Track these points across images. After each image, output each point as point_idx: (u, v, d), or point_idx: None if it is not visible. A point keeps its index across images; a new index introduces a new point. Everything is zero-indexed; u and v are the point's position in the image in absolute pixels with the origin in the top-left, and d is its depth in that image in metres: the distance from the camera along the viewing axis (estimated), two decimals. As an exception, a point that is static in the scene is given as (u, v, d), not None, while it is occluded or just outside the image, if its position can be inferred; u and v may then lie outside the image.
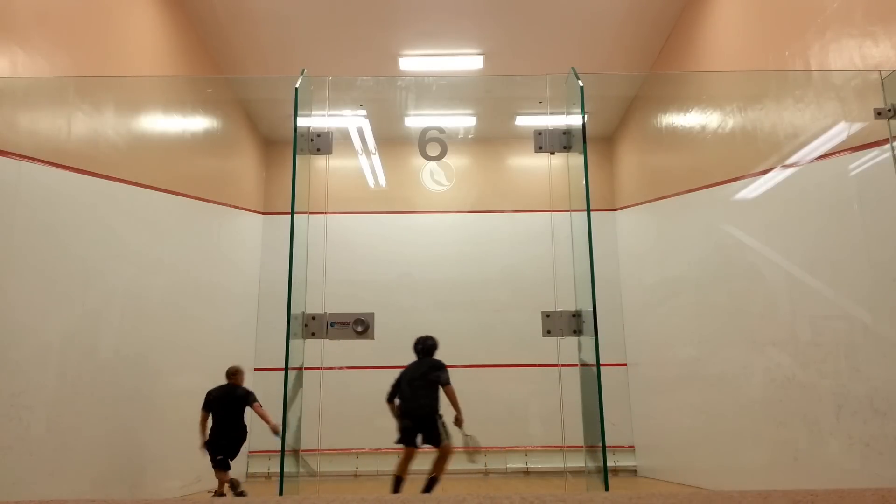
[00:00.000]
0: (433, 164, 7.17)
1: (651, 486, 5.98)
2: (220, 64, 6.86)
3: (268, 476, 6.87)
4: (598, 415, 2.53)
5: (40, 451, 4.06)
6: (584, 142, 2.65)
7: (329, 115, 3.04)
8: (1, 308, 3.79)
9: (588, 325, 2.49)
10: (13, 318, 3.88)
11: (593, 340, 2.49)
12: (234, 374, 5.67)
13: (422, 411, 5.23)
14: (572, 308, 2.58)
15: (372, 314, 2.55)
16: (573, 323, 2.53)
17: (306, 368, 2.59)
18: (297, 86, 2.72)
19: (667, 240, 6.69)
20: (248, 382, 7.05)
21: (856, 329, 3.90)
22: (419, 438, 5.16)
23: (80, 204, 4.53)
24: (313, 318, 2.51)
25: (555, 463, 6.90)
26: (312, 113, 2.94)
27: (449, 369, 7.28)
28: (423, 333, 7.32)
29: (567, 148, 2.74)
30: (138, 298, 5.22)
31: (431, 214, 7.80)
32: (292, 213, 2.58)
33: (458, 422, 5.32)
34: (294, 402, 2.60)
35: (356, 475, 6.97)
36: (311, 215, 2.83)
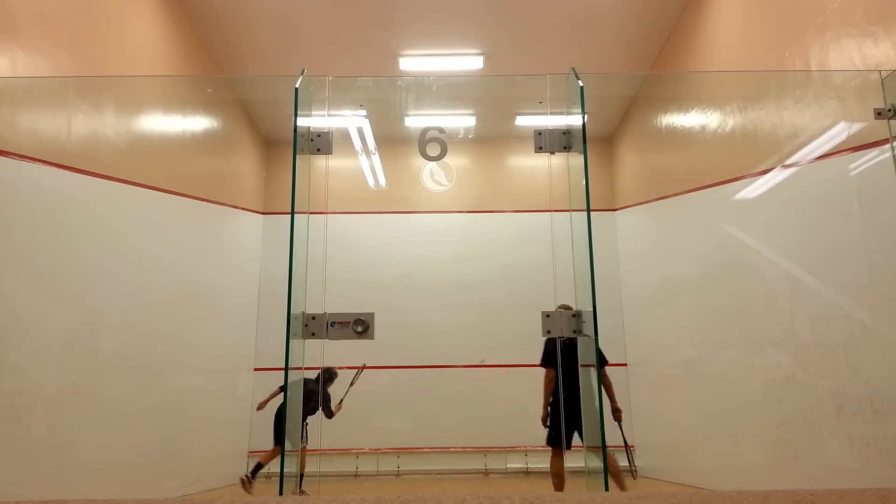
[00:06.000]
0: (433, 164, 7.18)
1: (651, 486, 5.98)
2: (221, 64, 6.86)
3: (268, 476, 6.87)
4: (598, 415, 2.53)
5: (40, 451, 4.06)
6: (585, 142, 2.65)
7: (329, 115, 3.04)
8: (1, 308, 3.79)
9: (588, 325, 2.49)
10: (13, 318, 3.88)
11: (593, 340, 2.49)
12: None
13: None
14: (572, 308, 2.58)
15: (372, 314, 2.55)
16: (573, 323, 2.53)
17: (306, 368, 2.59)
18: (297, 86, 2.72)
19: (667, 240, 6.69)
20: (247, 382, 7.08)
21: (856, 329, 3.90)
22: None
23: (80, 204, 4.52)
24: (313, 318, 2.51)
25: (555, 463, 6.89)
26: (312, 113, 2.93)
27: (449, 369, 7.31)
28: (423, 333, 7.33)
29: (567, 148, 2.74)
30: (138, 298, 5.21)
31: (431, 214, 7.80)
32: (292, 213, 2.58)
33: None
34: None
35: (356, 475, 6.97)
36: (311, 215, 2.83)
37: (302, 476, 5.69)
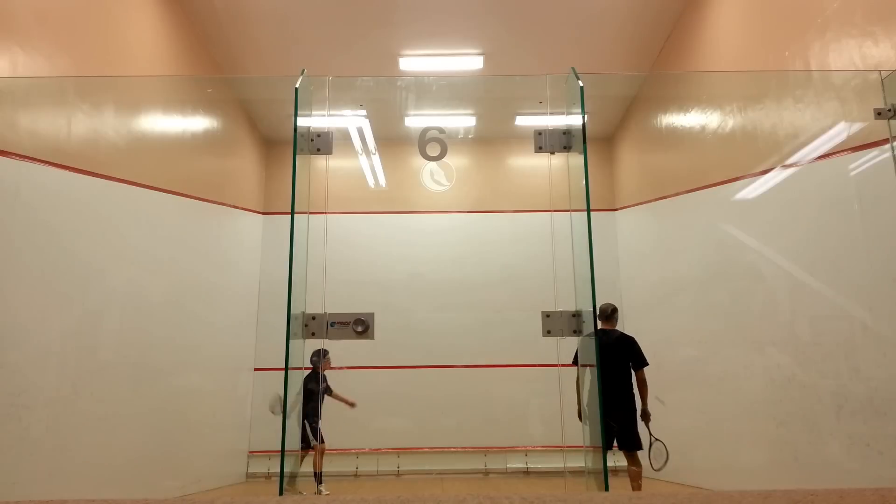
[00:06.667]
0: (433, 164, 7.18)
1: (651, 486, 5.98)
2: (220, 64, 6.86)
3: (268, 476, 6.87)
4: (598, 415, 2.53)
5: (40, 451, 4.06)
6: (584, 142, 2.65)
7: (329, 115, 3.04)
8: (1, 308, 3.79)
9: (588, 325, 2.49)
10: (13, 318, 3.88)
11: (593, 340, 2.49)
12: (614, 312, 4.92)
13: None
14: (572, 308, 2.58)
15: (372, 314, 2.55)
16: (573, 323, 2.53)
17: (306, 368, 2.59)
18: (297, 86, 2.72)
19: (667, 240, 6.69)
20: (247, 382, 7.08)
21: (856, 329, 3.90)
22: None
23: (80, 204, 4.52)
24: (313, 318, 2.51)
25: (555, 463, 6.90)
26: (312, 113, 2.94)
27: (449, 369, 7.31)
28: (423, 333, 7.33)
29: (567, 148, 2.74)
30: (138, 298, 5.22)
31: (431, 214, 7.80)
32: (292, 213, 2.59)
33: None
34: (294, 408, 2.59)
35: (356, 475, 6.98)
36: (311, 215, 2.83)
37: (318, 474, 5.68)
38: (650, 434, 4.80)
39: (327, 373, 5.94)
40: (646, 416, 4.78)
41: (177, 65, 5.87)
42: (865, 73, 3.43)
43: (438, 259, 7.51)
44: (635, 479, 4.77)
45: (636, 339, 4.87)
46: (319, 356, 5.61)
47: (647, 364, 4.79)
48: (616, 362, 4.81)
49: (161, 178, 5.59)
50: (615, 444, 4.78)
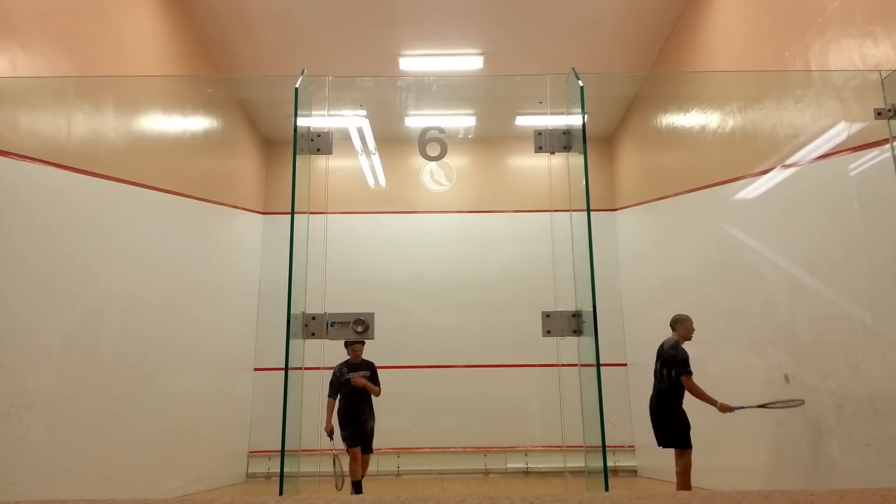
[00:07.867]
0: (433, 164, 7.18)
1: (651, 486, 5.99)
2: (220, 64, 6.86)
3: (268, 476, 6.87)
4: (599, 415, 2.53)
5: (40, 451, 4.06)
6: (584, 142, 2.65)
7: (329, 115, 3.04)
8: (1, 308, 3.79)
9: (588, 325, 2.49)
10: (13, 318, 3.88)
11: (593, 340, 2.49)
12: (675, 323, 5.00)
13: None
14: (572, 308, 2.58)
15: (372, 314, 2.55)
16: (573, 323, 2.53)
17: (306, 368, 2.59)
18: (297, 86, 2.72)
19: (667, 240, 6.69)
20: (247, 382, 7.08)
21: (856, 329, 3.90)
22: None
23: (80, 204, 4.52)
24: (313, 318, 2.51)
25: (555, 463, 6.90)
26: (312, 113, 2.94)
27: (449, 369, 7.30)
28: (423, 333, 7.33)
29: (567, 148, 2.74)
30: (138, 298, 5.22)
31: (431, 214, 7.80)
32: (292, 213, 2.59)
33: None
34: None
35: (356, 475, 6.96)
36: (311, 215, 2.83)
37: (357, 483, 5.53)
38: (763, 406, 4.63)
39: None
40: (724, 409, 4.70)
41: (177, 65, 5.87)
42: (865, 73, 3.43)
43: (438, 259, 7.51)
44: (681, 476, 4.84)
45: (672, 346, 4.97)
46: (347, 346, 5.42)
47: (689, 373, 4.80)
48: (661, 369, 4.97)
49: (161, 178, 5.59)
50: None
